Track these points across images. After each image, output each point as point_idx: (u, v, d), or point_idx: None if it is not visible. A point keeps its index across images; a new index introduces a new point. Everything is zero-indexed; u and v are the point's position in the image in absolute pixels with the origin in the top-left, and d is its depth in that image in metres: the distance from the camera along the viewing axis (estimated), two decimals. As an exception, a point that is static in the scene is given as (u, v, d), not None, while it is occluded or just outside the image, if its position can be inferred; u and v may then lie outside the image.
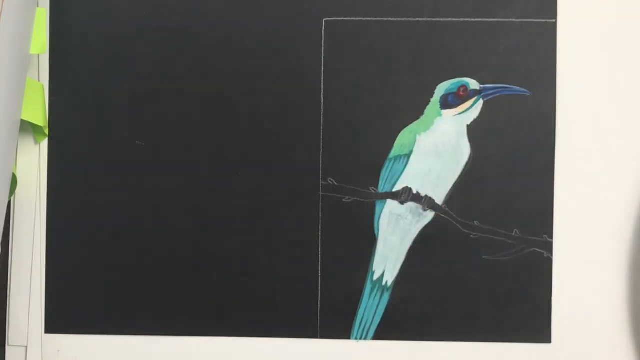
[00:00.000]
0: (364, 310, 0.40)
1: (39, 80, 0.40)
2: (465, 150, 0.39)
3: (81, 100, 0.40)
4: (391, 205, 0.39)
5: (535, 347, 0.39)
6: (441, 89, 0.39)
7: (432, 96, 0.39)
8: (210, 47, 0.40)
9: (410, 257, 0.39)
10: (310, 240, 0.40)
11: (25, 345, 0.40)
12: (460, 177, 0.39)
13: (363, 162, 0.40)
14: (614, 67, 0.39)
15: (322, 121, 0.40)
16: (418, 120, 0.39)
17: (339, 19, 0.40)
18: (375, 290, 0.40)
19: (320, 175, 0.40)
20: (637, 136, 0.39)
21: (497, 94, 0.39)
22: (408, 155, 0.39)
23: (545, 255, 0.39)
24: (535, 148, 0.39)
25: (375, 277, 0.40)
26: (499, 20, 0.39)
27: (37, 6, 0.39)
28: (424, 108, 0.39)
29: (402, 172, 0.39)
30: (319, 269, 0.40)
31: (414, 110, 0.39)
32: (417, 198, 0.39)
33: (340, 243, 0.40)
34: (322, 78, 0.40)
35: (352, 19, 0.39)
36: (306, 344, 0.39)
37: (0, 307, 0.40)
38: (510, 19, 0.39)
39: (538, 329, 0.39)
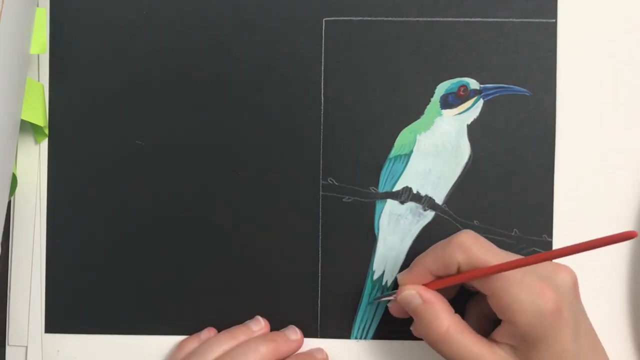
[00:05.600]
0: (364, 310, 0.40)
1: (39, 80, 0.40)
2: (465, 150, 0.39)
3: (81, 100, 0.40)
4: (391, 205, 0.40)
5: (535, 347, 0.39)
6: (441, 88, 0.39)
7: (432, 96, 0.39)
8: (210, 47, 0.40)
9: (410, 257, 0.39)
10: (310, 240, 0.40)
11: (25, 345, 0.40)
12: (460, 177, 0.39)
13: (363, 162, 0.40)
14: (614, 67, 0.39)
15: (322, 121, 0.40)
16: (418, 120, 0.39)
17: (339, 19, 0.40)
18: (375, 290, 0.40)
19: (320, 175, 0.40)
20: (637, 136, 0.39)
21: (497, 94, 0.39)
22: (408, 155, 0.39)
23: (545, 255, 0.39)
24: (535, 148, 0.39)
25: (375, 276, 0.40)
26: (499, 20, 0.39)
27: (37, 6, 0.39)
28: (424, 108, 0.39)
29: (402, 172, 0.39)
30: (319, 269, 0.40)
31: (414, 110, 0.39)
32: (417, 198, 0.40)
33: (340, 243, 0.40)
34: (322, 78, 0.40)
35: (352, 18, 0.39)
36: (306, 344, 0.39)
37: (0, 307, 0.40)
38: (510, 19, 0.39)
39: (538, 328, 0.39)
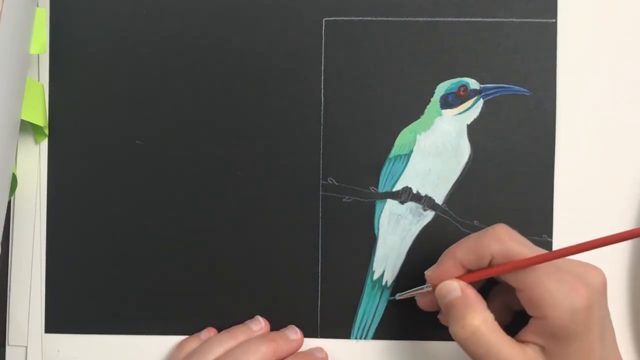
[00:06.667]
0: (364, 310, 0.40)
1: (39, 80, 0.40)
2: (465, 150, 0.39)
3: (81, 100, 0.40)
4: (391, 204, 0.40)
5: (535, 347, 0.39)
6: (441, 88, 0.39)
7: (432, 96, 0.39)
8: (210, 47, 0.40)
9: (410, 257, 0.39)
10: (310, 240, 0.40)
11: (25, 345, 0.40)
12: (460, 177, 0.39)
13: (363, 162, 0.40)
14: (614, 67, 0.39)
15: (322, 121, 0.40)
16: (418, 120, 0.39)
17: (339, 19, 0.40)
18: (375, 290, 0.40)
19: (320, 175, 0.40)
20: (637, 136, 0.39)
21: (497, 94, 0.39)
22: (408, 155, 0.39)
23: (545, 255, 0.39)
24: (535, 148, 0.39)
25: (375, 276, 0.40)
26: (499, 20, 0.39)
27: (37, 6, 0.39)
28: (424, 108, 0.39)
29: (402, 172, 0.39)
30: (319, 269, 0.40)
31: (414, 110, 0.39)
32: (417, 198, 0.40)
33: (340, 243, 0.40)
34: (322, 78, 0.40)
35: (352, 18, 0.39)
36: (306, 344, 0.39)
37: (0, 307, 0.40)
38: (510, 19, 0.39)
39: (538, 328, 0.39)
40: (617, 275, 0.39)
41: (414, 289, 0.37)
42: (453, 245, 0.35)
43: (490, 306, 0.36)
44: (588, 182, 0.39)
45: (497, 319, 0.34)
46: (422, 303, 0.37)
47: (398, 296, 0.39)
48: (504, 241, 0.33)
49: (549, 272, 0.32)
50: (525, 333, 0.33)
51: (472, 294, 0.34)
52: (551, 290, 0.31)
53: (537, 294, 0.32)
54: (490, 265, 0.33)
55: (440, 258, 0.35)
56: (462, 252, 0.34)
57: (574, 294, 0.31)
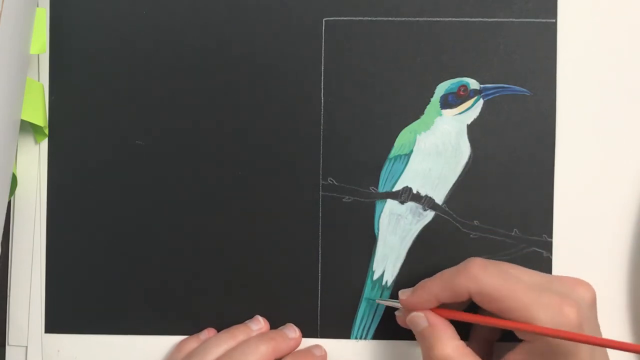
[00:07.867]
0: (364, 310, 0.40)
1: (39, 80, 0.40)
2: (465, 150, 0.39)
3: (81, 100, 0.40)
4: (391, 205, 0.40)
5: (535, 347, 0.39)
6: (441, 88, 0.39)
7: (432, 96, 0.39)
8: (210, 47, 0.40)
9: (410, 257, 0.39)
10: (310, 240, 0.40)
11: (25, 345, 0.40)
12: (460, 177, 0.39)
13: (363, 162, 0.40)
14: (613, 66, 0.39)
15: (322, 121, 0.40)
16: (418, 120, 0.39)
17: (339, 19, 0.40)
18: (375, 290, 0.40)
19: (320, 175, 0.40)
20: (637, 136, 0.39)
21: (497, 94, 0.39)
22: (408, 155, 0.39)
23: (545, 254, 0.39)
24: (535, 148, 0.39)
25: (375, 276, 0.40)
26: (499, 20, 0.39)
27: (37, 6, 0.39)
28: (424, 108, 0.39)
29: (402, 172, 0.39)
30: (319, 269, 0.40)
31: (414, 110, 0.39)
32: (417, 198, 0.40)
33: (340, 243, 0.40)
34: (322, 78, 0.40)
35: (352, 19, 0.39)
36: (306, 344, 0.39)
37: (0, 307, 0.40)
38: (510, 19, 0.39)
39: (538, 328, 0.39)
40: (617, 275, 0.39)
41: (393, 300, 0.38)
42: (428, 280, 0.35)
43: (473, 334, 0.37)
44: (588, 182, 0.39)
45: (477, 347, 0.35)
46: (399, 320, 0.37)
47: (378, 300, 0.39)
48: (478, 279, 0.33)
49: (532, 298, 0.32)
50: (513, 354, 0.33)
51: (440, 323, 0.34)
52: (536, 316, 0.31)
53: (525, 320, 0.32)
54: (469, 299, 0.34)
55: (415, 287, 0.36)
56: (438, 289, 0.34)
57: (561, 317, 0.31)
